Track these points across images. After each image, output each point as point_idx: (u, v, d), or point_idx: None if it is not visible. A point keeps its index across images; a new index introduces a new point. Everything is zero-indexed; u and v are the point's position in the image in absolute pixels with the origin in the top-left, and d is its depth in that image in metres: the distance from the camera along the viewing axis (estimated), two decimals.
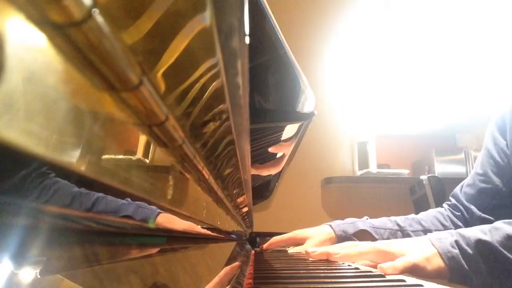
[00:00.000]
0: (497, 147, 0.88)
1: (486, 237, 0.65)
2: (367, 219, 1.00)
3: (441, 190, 2.11)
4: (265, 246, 1.06)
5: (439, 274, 0.66)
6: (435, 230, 0.93)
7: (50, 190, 0.12)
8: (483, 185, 0.90)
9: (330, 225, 0.98)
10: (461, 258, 0.65)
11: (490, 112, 0.97)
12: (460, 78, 2.53)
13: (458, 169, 2.72)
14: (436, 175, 2.34)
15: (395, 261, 0.64)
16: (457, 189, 1.00)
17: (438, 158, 2.73)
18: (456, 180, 2.43)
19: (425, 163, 2.81)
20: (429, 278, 0.64)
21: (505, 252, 0.63)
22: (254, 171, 0.84)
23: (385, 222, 0.98)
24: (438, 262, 0.66)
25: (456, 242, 0.67)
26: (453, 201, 1.00)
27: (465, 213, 0.95)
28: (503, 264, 0.63)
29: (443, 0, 2.09)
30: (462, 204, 0.96)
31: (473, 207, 0.91)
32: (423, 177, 2.22)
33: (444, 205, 1.03)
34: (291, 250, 1.02)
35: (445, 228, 0.95)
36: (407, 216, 1.00)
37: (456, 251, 0.66)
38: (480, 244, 0.65)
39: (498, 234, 0.65)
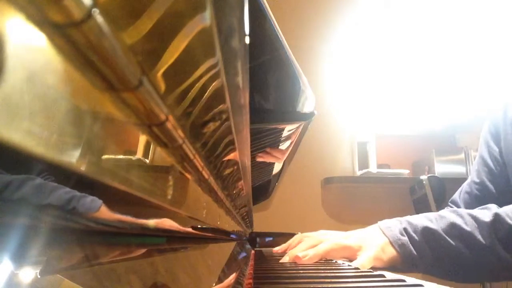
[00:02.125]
0: (491, 155, 0.89)
1: (432, 225, 0.70)
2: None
3: (441, 190, 2.11)
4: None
5: (393, 262, 0.71)
6: None
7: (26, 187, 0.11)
8: (479, 193, 0.91)
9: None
10: (410, 245, 0.70)
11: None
12: (460, 78, 2.53)
13: (458, 169, 2.72)
14: (436, 175, 2.34)
15: (362, 260, 0.70)
16: (456, 196, 1.01)
17: (438, 158, 2.73)
18: (456, 180, 2.43)
19: (425, 163, 2.81)
20: (385, 268, 0.71)
21: (449, 239, 0.68)
22: (259, 158, 0.84)
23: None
24: (391, 251, 0.71)
25: (405, 229, 0.72)
26: (454, 207, 0.99)
27: None
28: (447, 250, 0.68)
29: (443, 0, 2.09)
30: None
31: None
32: (423, 177, 2.22)
33: (446, 209, 1.04)
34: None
35: None
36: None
37: (405, 238, 0.71)
38: (426, 232, 0.70)
39: (443, 222, 0.70)
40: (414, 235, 0.71)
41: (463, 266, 0.68)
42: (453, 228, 0.69)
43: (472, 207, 0.92)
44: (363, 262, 0.70)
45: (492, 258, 0.66)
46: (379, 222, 0.78)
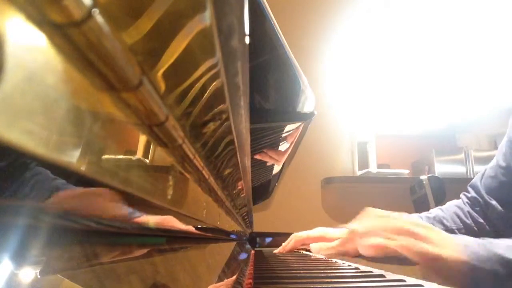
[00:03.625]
0: None
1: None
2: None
3: (441, 190, 2.11)
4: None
5: (455, 282, 0.60)
6: (457, 229, 0.88)
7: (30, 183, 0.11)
8: (505, 179, 0.84)
9: None
10: (491, 279, 0.59)
11: (491, 113, 0.96)
12: (460, 78, 2.53)
13: (458, 169, 2.72)
14: (436, 175, 2.34)
15: (422, 246, 0.60)
16: (476, 180, 0.92)
17: (438, 158, 2.74)
18: (456, 180, 2.43)
19: (425, 163, 2.82)
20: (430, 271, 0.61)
21: None
22: (258, 157, 0.84)
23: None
24: (465, 271, 0.59)
25: (489, 258, 0.59)
26: (472, 193, 0.92)
27: (485, 208, 0.88)
28: None
29: (443, 0, 2.09)
30: (482, 197, 0.89)
31: (494, 202, 0.85)
32: (423, 177, 2.22)
33: (462, 196, 0.95)
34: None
35: (467, 226, 0.88)
36: (428, 214, 0.94)
37: (488, 268, 0.59)
38: (508, 264, 0.58)
39: None
40: (499, 268, 0.58)
41: None
42: None
43: (497, 192, 0.85)
44: (422, 248, 0.59)
45: None
46: (467, 248, 0.63)
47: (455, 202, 0.96)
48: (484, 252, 0.60)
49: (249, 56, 0.19)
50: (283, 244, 1.00)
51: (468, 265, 0.59)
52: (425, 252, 0.61)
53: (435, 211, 0.96)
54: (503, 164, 0.85)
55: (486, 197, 0.88)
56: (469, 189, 0.95)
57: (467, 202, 0.94)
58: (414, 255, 0.63)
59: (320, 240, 0.91)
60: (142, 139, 0.17)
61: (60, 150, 0.10)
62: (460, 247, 0.62)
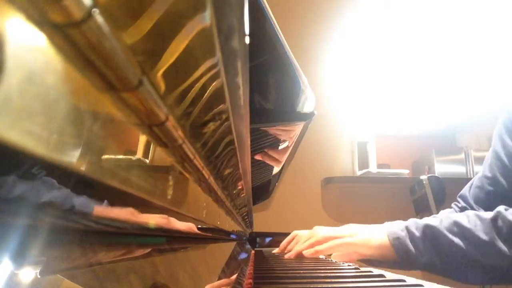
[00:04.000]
0: (505, 149, 0.87)
1: (434, 223, 0.73)
2: None
3: (441, 190, 2.11)
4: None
5: (383, 254, 0.75)
6: None
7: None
8: (491, 188, 0.89)
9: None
10: (407, 240, 0.73)
11: (491, 112, 0.97)
12: (459, 78, 2.53)
13: (458, 169, 2.72)
14: (436, 175, 2.34)
15: (346, 240, 0.78)
16: (465, 191, 0.99)
17: (438, 158, 2.73)
18: (456, 180, 2.43)
19: (425, 163, 2.81)
20: (373, 258, 0.77)
21: (449, 235, 0.70)
22: (258, 157, 0.85)
23: None
24: (383, 240, 0.76)
25: (406, 226, 0.75)
26: (462, 203, 0.98)
27: None
28: (448, 247, 0.70)
29: (443, 0, 2.09)
30: (471, 207, 0.95)
31: (482, 211, 0.91)
32: (423, 177, 2.22)
33: (454, 206, 1.02)
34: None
35: None
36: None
37: (403, 233, 0.75)
38: (427, 228, 0.73)
39: (446, 220, 0.72)
40: (414, 231, 0.73)
41: (465, 264, 0.68)
42: (454, 225, 0.70)
43: (483, 202, 0.91)
44: (344, 241, 0.77)
45: (492, 254, 0.66)
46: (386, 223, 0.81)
47: (448, 210, 1.02)
48: (398, 226, 0.77)
49: (249, 56, 0.19)
50: (283, 242, 1.01)
51: (388, 239, 0.75)
52: (350, 243, 0.78)
53: (428, 219, 1.01)
54: (489, 174, 0.90)
55: (475, 206, 0.94)
56: (459, 199, 1.01)
57: (458, 211, 0.99)
58: (344, 249, 0.80)
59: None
60: (142, 139, 0.17)
61: (60, 150, 0.10)
62: (379, 229, 0.79)
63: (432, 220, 0.74)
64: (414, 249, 0.72)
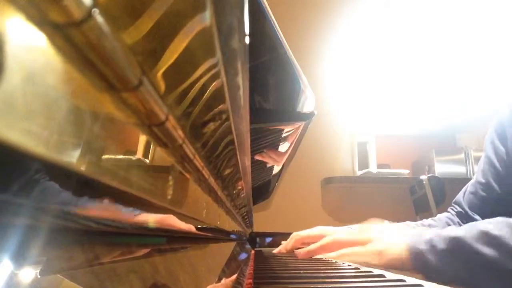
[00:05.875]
0: (497, 155, 0.88)
1: (460, 233, 0.67)
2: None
3: (441, 190, 2.11)
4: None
5: (395, 267, 0.70)
6: None
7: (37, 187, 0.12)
8: (484, 194, 0.89)
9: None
10: (430, 254, 0.67)
11: (491, 113, 0.97)
12: (460, 78, 2.53)
13: (458, 169, 2.72)
14: (436, 175, 2.34)
15: (359, 249, 0.72)
16: (459, 197, 0.99)
17: (438, 158, 2.74)
18: (456, 180, 2.43)
19: (425, 163, 2.81)
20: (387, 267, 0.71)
21: (479, 246, 0.64)
22: (258, 157, 0.85)
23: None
24: (398, 253, 0.69)
25: (430, 239, 0.69)
26: (458, 208, 0.99)
27: (470, 222, 0.95)
28: (478, 259, 0.64)
29: (443, 0, 2.09)
30: (466, 213, 0.95)
31: (477, 217, 0.91)
32: (423, 177, 2.22)
33: (450, 210, 1.02)
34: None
35: None
36: (422, 222, 1.00)
37: (425, 247, 0.68)
38: (452, 240, 0.66)
39: (472, 230, 0.66)
40: (437, 244, 0.67)
41: (499, 275, 0.62)
42: (483, 235, 0.64)
43: (477, 208, 0.91)
44: (354, 251, 0.72)
45: None
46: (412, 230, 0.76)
47: (445, 214, 1.02)
48: (420, 238, 0.70)
49: (249, 56, 0.19)
50: (283, 243, 1.01)
51: (407, 249, 0.69)
52: (360, 253, 0.73)
53: (428, 221, 1.01)
54: (482, 180, 0.90)
55: (470, 212, 0.94)
56: (454, 205, 1.01)
57: (455, 215, 1.00)
58: (362, 258, 0.74)
59: (320, 238, 0.93)
60: (142, 139, 0.17)
61: (60, 150, 0.10)
62: (398, 238, 0.72)
63: (457, 230, 0.68)
64: (437, 263, 0.66)
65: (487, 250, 0.63)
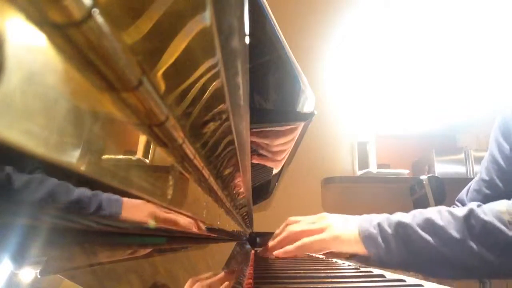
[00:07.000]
0: (502, 152, 0.88)
1: (407, 219, 0.71)
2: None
3: (441, 190, 2.11)
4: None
5: (355, 251, 0.73)
6: None
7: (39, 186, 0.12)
8: (488, 191, 0.90)
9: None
10: (378, 237, 0.71)
11: (491, 113, 0.97)
12: (460, 78, 2.53)
13: (458, 169, 2.72)
14: (436, 175, 2.34)
15: (315, 238, 0.74)
16: (462, 194, 0.99)
17: (438, 158, 2.73)
18: (456, 180, 2.43)
19: (425, 163, 2.81)
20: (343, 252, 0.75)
21: (421, 232, 0.69)
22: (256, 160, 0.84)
23: None
24: (352, 236, 0.73)
25: (379, 223, 0.73)
26: (460, 206, 0.98)
27: None
28: (419, 244, 0.68)
29: (443, 0, 2.09)
30: None
31: None
32: (423, 177, 2.22)
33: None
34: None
35: None
36: None
37: (375, 230, 0.72)
38: (399, 225, 0.71)
39: (419, 217, 0.71)
40: (386, 228, 0.72)
41: (436, 260, 0.67)
42: (427, 223, 0.69)
43: None
44: (315, 238, 0.73)
45: (464, 253, 0.65)
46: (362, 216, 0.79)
47: None
48: (370, 222, 0.74)
49: (249, 56, 0.19)
50: (275, 232, 0.99)
51: (360, 236, 0.73)
52: (321, 240, 0.75)
53: (402, 215, 1.01)
54: (486, 178, 0.91)
55: None
56: (457, 203, 1.01)
57: None
58: (316, 249, 0.77)
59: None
60: (142, 139, 0.17)
61: (60, 150, 0.10)
62: (352, 222, 0.76)
63: (405, 216, 0.73)
64: (386, 247, 0.70)
65: (428, 238, 0.67)
